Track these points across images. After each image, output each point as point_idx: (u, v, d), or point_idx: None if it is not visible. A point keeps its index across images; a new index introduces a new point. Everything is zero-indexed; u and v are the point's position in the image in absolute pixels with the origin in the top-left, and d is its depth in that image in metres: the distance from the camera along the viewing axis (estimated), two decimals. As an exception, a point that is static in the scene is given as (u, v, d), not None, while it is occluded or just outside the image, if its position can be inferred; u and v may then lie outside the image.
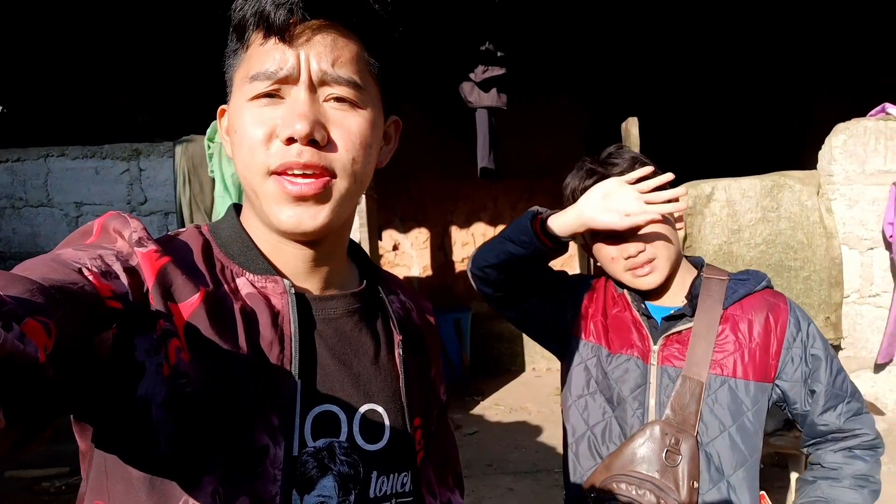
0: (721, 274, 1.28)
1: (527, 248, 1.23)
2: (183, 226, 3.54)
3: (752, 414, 1.17)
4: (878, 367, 3.29)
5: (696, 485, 1.12)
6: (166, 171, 3.77)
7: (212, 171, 3.51)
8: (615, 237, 1.21)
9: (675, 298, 1.26)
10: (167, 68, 5.32)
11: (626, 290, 1.28)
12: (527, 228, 1.22)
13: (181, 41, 4.93)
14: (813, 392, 1.20)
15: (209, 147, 3.50)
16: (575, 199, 1.23)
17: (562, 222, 1.21)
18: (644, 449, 1.15)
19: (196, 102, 4.31)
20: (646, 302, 1.26)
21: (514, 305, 1.35)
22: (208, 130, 3.54)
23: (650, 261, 1.20)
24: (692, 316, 1.20)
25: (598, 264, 1.32)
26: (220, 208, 3.43)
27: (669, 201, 1.17)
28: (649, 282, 1.21)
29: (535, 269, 1.30)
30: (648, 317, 1.24)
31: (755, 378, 1.17)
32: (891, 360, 3.21)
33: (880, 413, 2.91)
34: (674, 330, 1.20)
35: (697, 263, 1.31)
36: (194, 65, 4.98)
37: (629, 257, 1.20)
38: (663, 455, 1.13)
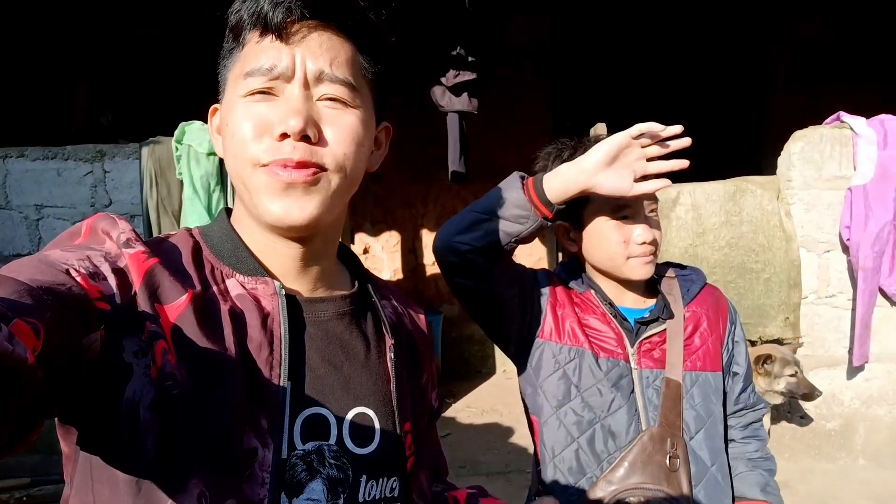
0: (667, 272, 1.29)
1: (524, 223, 1.05)
2: (149, 229, 3.47)
3: (720, 403, 1.22)
4: (853, 371, 3.42)
5: (692, 484, 1.14)
6: (132, 173, 3.69)
7: (180, 174, 3.45)
8: (628, 216, 1.15)
9: (637, 299, 1.25)
10: (133, 69, 5.20)
11: (592, 291, 1.24)
12: (521, 200, 1.04)
13: (148, 42, 4.83)
14: (735, 374, 1.28)
15: (177, 149, 3.44)
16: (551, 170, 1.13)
17: (559, 185, 1.03)
18: (648, 458, 1.13)
19: (162, 104, 4.23)
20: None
21: (490, 293, 1.17)
22: (176, 132, 3.47)
23: (656, 249, 1.18)
24: (666, 317, 1.20)
25: (574, 249, 1.25)
26: (189, 211, 3.37)
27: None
28: (648, 271, 1.18)
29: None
30: (623, 318, 1.21)
31: (716, 369, 1.22)
32: (866, 361, 3.32)
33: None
34: (650, 332, 1.20)
35: None
36: (161, 66, 4.88)
37: (644, 243, 1.15)
38: (667, 462, 1.12)
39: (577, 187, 1.04)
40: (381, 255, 6.09)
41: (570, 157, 1.16)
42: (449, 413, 4.94)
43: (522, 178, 1.09)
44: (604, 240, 1.18)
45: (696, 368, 1.20)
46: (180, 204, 3.47)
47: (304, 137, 0.63)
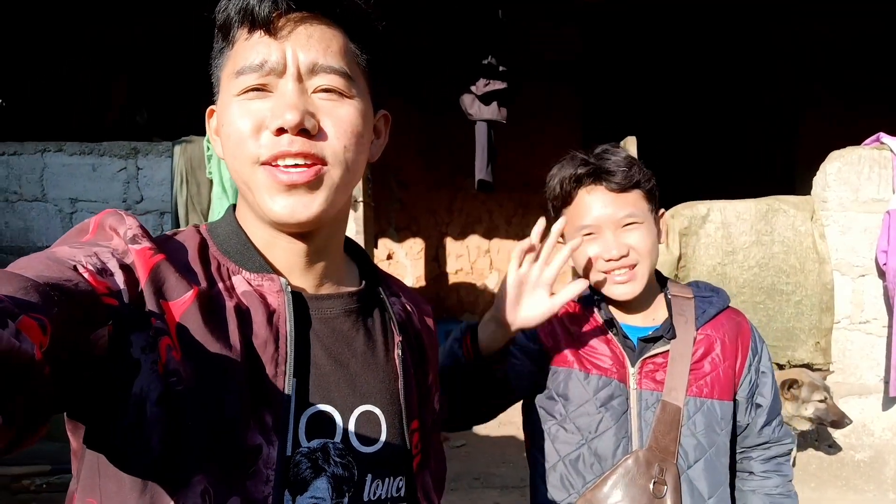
0: (685, 291, 1.25)
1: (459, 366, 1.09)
2: (178, 226, 3.53)
3: (726, 434, 1.17)
4: (889, 402, 3.30)
5: None
6: (164, 170, 3.76)
7: (210, 173, 3.51)
8: (592, 233, 1.14)
9: (646, 317, 1.21)
10: (168, 68, 5.32)
11: (595, 309, 1.21)
12: (453, 350, 1.10)
13: (182, 42, 4.94)
14: (758, 406, 1.22)
15: (208, 149, 3.50)
16: (564, 191, 1.17)
17: (485, 344, 1.07)
18: (631, 481, 1.10)
19: (196, 103, 4.31)
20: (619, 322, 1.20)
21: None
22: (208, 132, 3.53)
23: (632, 266, 1.13)
24: (670, 338, 1.17)
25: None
26: (218, 210, 3.42)
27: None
28: (625, 291, 1.14)
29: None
30: (624, 336, 1.18)
31: (725, 397, 1.17)
32: None
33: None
34: (652, 352, 1.16)
35: (658, 278, 1.27)
36: (194, 65, 4.98)
37: (610, 259, 1.13)
38: (651, 487, 1.09)
39: (503, 341, 1.07)
40: (405, 261, 6.11)
41: (582, 165, 1.15)
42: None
43: (465, 330, 1.12)
44: (579, 259, 1.17)
45: (701, 395, 1.15)
46: (209, 202, 3.53)
47: (302, 131, 0.63)
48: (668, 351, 1.16)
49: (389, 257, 6.10)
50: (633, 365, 1.15)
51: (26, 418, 0.43)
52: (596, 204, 1.14)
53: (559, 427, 1.17)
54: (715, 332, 1.19)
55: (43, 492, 3.33)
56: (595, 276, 1.16)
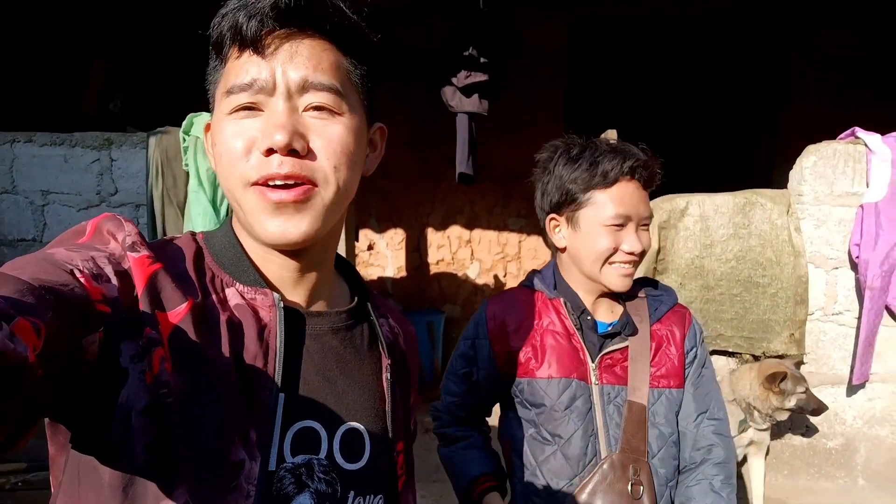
0: (639, 289, 1.30)
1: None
2: (153, 219, 3.47)
3: (682, 417, 1.23)
4: (853, 389, 3.38)
5: None
6: (139, 162, 3.68)
7: (186, 165, 3.44)
8: (622, 225, 1.18)
9: (606, 311, 1.26)
10: (146, 57, 5.20)
11: (562, 300, 1.23)
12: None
13: (157, 33, 4.82)
14: (696, 388, 1.25)
15: (184, 140, 3.42)
16: (605, 173, 1.16)
17: None
18: (609, 487, 1.11)
19: (171, 94, 4.22)
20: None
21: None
22: (184, 123, 3.46)
23: (639, 259, 1.20)
24: (628, 334, 1.21)
25: (562, 245, 1.25)
26: (194, 203, 3.36)
27: None
28: (626, 283, 1.20)
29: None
30: (589, 329, 1.21)
31: (679, 385, 1.22)
32: (866, 380, 3.29)
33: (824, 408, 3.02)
34: (612, 348, 1.20)
35: None
36: (174, 56, 4.87)
37: (631, 252, 1.17)
38: (629, 489, 1.11)
39: None
40: (386, 251, 6.08)
41: (579, 156, 1.19)
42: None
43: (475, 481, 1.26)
44: (595, 241, 1.19)
45: (659, 385, 1.20)
46: (185, 195, 3.46)
47: (292, 151, 0.62)
48: (626, 347, 1.19)
49: (371, 247, 6.07)
50: (592, 360, 1.18)
51: (18, 420, 0.43)
52: (634, 197, 1.18)
53: (528, 433, 1.21)
54: (664, 326, 1.25)
55: (19, 490, 3.28)
56: (599, 265, 1.19)
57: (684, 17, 4.86)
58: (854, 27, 5.10)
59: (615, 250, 1.18)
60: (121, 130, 3.91)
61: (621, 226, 1.18)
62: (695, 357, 1.25)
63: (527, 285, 1.30)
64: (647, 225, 1.21)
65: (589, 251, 1.19)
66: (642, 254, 1.19)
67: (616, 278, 1.19)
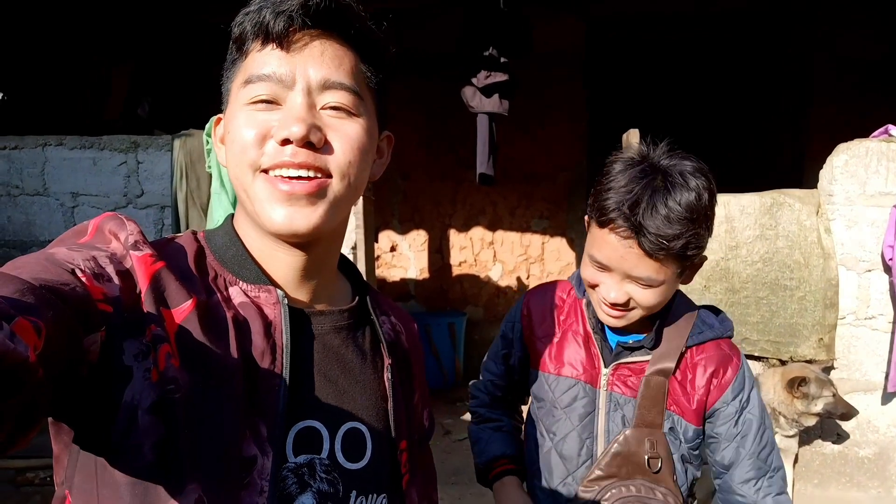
0: (695, 313, 1.17)
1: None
2: (177, 220, 3.53)
3: (689, 449, 1.14)
4: (887, 396, 3.26)
5: (677, 483, 1.11)
6: (164, 164, 3.75)
7: (209, 167, 3.49)
8: (605, 268, 1.05)
9: (637, 324, 1.13)
10: (172, 60, 5.30)
11: (585, 301, 1.18)
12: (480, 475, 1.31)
13: (182, 37, 4.91)
14: (738, 454, 1.13)
15: (208, 142, 3.48)
16: (624, 210, 0.97)
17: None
18: (625, 460, 1.08)
19: (195, 97, 4.29)
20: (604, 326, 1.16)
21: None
22: (207, 126, 3.51)
23: (626, 308, 1.06)
24: (651, 348, 1.12)
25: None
26: (216, 205, 3.41)
27: None
28: (613, 322, 1.10)
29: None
30: (605, 337, 1.16)
31: (692, 421, 1.13)
32: None
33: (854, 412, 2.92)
34: (628, 359, 1.13)
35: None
36: (199, 58, 4.96)
37: (612, 304, 1.06)
38: (646, 461, 1.08)
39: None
40: (408, 253, 6.09)
41: (618, 174, 1.03)
42: (468, 416, 4.91)
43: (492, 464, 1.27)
44: (584, 273, 1.11)
45: (670, 408, 1.13)
46: (209, 197, 3.51)
47: (308, 144, 0.63)
48: (646, 361, 1.13)
49: (393, 249, 6.09)
50: (606, 366, 1.13)
51: (19, 420, 0.42)
52: (621, 253, 1.00)
53: (535, 428, 1.21)
54: (700, 357, 1.14)
55: (47, 485, 3.37)
56: (591, 294, 1.13)
57: (705, 16, 4.76)
58: (876, 28, 4.94)
59: (595, 287, 1.07)
60: (148, 133, 3.99)
61: (603, 268, 1.04)
62: (738, 413, 1.12)
63: (571, 280, 1.27)
64: (648, 286, 1.02)
65: (583, 275, 1.13)
66: (629, 304, 1.04)
67: (601, 312, 1.08)
